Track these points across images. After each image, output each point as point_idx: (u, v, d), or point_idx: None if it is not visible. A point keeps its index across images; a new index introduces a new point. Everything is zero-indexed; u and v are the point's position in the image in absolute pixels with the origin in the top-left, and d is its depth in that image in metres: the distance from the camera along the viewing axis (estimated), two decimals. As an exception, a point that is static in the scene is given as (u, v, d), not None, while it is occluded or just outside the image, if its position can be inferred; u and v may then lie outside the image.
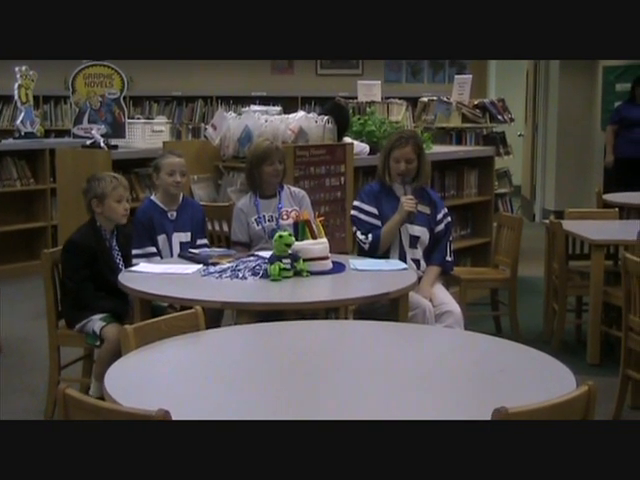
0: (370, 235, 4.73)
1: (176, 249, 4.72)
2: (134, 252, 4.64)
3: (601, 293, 5.39)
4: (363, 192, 4.96)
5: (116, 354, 3.37)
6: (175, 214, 4.80)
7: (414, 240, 4.79)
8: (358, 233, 4.80)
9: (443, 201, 5.23)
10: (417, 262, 4.77)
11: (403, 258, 4.70)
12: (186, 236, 4.78)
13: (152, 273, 4.15)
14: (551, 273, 6.04)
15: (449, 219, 4.94)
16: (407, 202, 4.69)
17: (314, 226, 4.29)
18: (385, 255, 4.72)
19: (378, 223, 4.77)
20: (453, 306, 4.62)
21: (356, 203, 4.89)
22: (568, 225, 5.84)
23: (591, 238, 5.51)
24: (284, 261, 4.00)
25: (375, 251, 4.71)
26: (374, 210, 4.79)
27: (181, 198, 4.86)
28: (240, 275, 4.03)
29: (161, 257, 4.70)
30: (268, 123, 5.81)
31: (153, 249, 4.71)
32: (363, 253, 4.77)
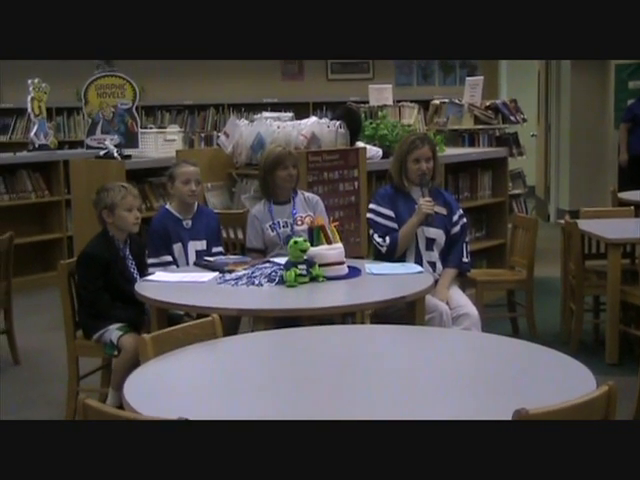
0: (388, 238, 4.73)
1: (192, 257, 4.73)
2: (150, 261, 4.65)
3: (618, 292, 5.36)
4: (378, 195, 4.95)
5: (133, 364, 3.38)
6: (190, 223, 4.80)
7: (430, 242, 4.78)
8: (375, 236, 4.79)
9: (458, 203, 5.22)
10: (433, 264, 4.76)
11: (419, 261, 4.69)
12: (202, 244, 4.79)
13: (168, 282, 4.16)
14: (568, 273, 6.02)
15: (464, 220, 4.93)
16: (425, 204, 4.68)
17: (329, 231, 4.28)
18: (401, 258, 4.71)
19: (394, 226, 4.76)
20: (470, 308, 4.61)
21: (372, 206, 4.88)
22: (584, 224, 5.81)
23: (607, 237, 5.49)
24: (300, 267, 4.00)
25: (393, 254, 4.70)
26: (390, 213, 4.78)
27: (196, 207, 4.87)
28: (256, 282, 4.03)
29: (177, 266, 4.70)
30: (280, 129, 5.81)
31: (169, 258, 4.71)
32: (379, 257, 4.77)
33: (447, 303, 4.56)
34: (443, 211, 4.83)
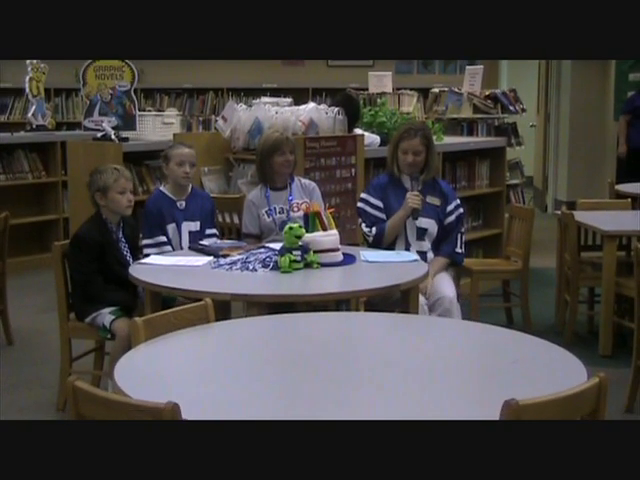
0: (374, 228, 4.73)
1: (185, 238, 4.74)
2: (145, 242, 4.66)
3: (613, 284, 5.36)
4: (371, 185, 4.97)
5: (128, 350, 3.37)
6: (184, 204, 4.80)
7: (421, 232, 4.77)
8: (363, 225, 4.81)
9: (455, 192, 5.20)
10: (423, 254, 4.71)
11: (408, 250, 4.68)
12: (195, 225, 4.79)
13: (162, 265, 4.15)
14: (563, 264, 6.02)
15: (461, 210, 4.90)
16: (412, 198, 4.67)
17: (324, 218, 4.28)
18: (390, 247, 4.71)
19: (383, 216, 4.76)
20: (445, 292, 4.54)
21: (363, 195, 4.89)
22: (580, 216, 5.81)
23: (603, 229, 5.48)
24: (294, 253, 3.99)
25: (379, 244, 4.71)
26: (380, 203, 4.79)
27: (190, 188, 4.86)
28: (250, 267, 4.02)
29: (171, 246, 4.70)
30: (278, 115, 5.79)
31: (163, 238, 4.72)
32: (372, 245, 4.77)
33: (425, 293, 4.53)
34: (436, 201, 4.81)
